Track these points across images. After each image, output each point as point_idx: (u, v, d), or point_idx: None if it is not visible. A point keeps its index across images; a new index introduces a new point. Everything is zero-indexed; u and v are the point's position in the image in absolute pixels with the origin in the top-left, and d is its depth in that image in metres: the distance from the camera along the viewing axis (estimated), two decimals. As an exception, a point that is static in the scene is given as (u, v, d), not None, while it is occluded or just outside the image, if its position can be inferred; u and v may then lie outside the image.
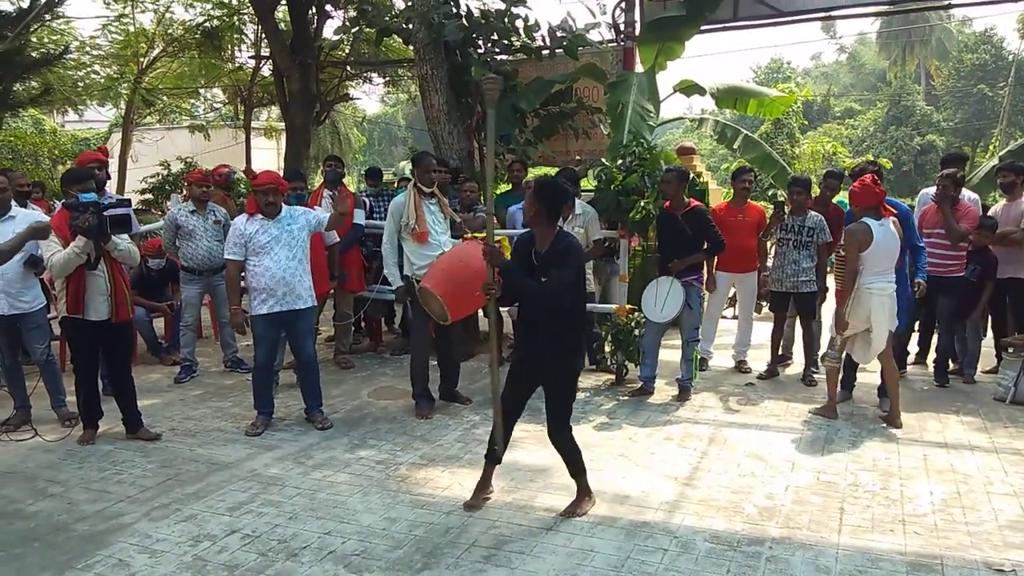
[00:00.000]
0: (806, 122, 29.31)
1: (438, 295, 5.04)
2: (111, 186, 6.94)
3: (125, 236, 4.99)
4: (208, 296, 6.94)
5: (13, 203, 5.35)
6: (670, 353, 6.40)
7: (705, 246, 5.85)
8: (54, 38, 17.40)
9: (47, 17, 14.58)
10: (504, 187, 9.31)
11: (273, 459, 4.77)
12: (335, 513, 3.99)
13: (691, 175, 6.81)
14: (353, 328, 7.53)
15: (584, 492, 3.97)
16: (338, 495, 4.22)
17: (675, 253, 5.81)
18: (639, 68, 8.27)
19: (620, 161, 6.31)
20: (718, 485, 4.28)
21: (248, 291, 5.24)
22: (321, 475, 4.51)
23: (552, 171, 7.47)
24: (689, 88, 8.78)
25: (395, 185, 10.00)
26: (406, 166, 22.31)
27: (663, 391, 6.05)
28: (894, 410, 5.25)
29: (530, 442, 4.85)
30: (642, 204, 6.00)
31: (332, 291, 6.88)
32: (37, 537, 3.77)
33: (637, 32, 8.54)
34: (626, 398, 5.92)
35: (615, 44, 8.94)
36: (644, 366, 6.02)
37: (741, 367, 6.78)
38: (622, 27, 8.77)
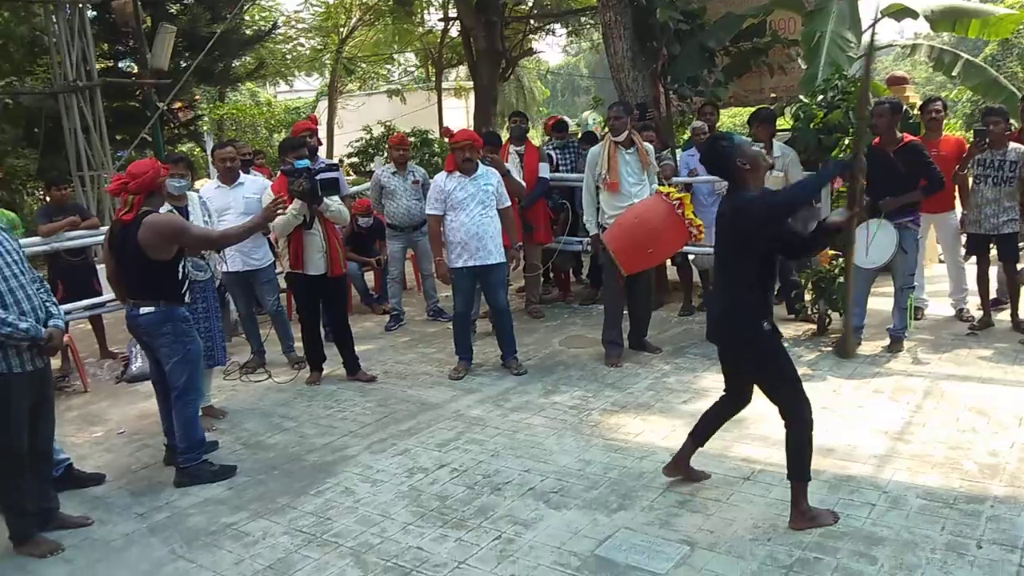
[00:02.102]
0: (1043, 40, 25.63)
1: (611, 250, 5.10)
2: (322, 151, 7.53)
3: (335, 197, 5.44)
4: (410, 251, 7.39)
5: (240, 170, 5.98)
6: (877, 302, 5.99)
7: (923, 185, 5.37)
8: (263, 15, 18.95)
9: (257, -3, 15.90)
10: (687, 135, 9.03)
11: (474, 401, 5.07)
12: (533, 453, 4.19)
13: (904, 107, 6.23)
14: (542, 279, 7.73)
15: (799, 507, 3.27)
16: (535, 436, 4.42)
17: (887, 193, 5.38)
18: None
19: (820, 97, 5.90)
20: (933, 440, 4.00)
21: (446, 244, 5.54)
22: (518, 417, 4.73)
23: (746, 112, 7.15)
24: (899, 12, 7.96)
25: (578, 136, 10.02)
26: (589, 116, 22.17)
27: (871, 343, 5.69)
28: None
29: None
30: (846, 142, 5.60)
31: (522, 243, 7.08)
32: (276, 465, 4.29)
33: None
34: (830, 349, 5.64)
35: (814, -30, 8.29)
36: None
37: (961, 315, 6.20)
38: (821, -50, 8.09)
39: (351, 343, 5.68)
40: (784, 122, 7.90)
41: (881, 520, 3.25)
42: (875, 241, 5.28)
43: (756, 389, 3.49)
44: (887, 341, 5.57)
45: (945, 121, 6.53)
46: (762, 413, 4.16)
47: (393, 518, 3.58)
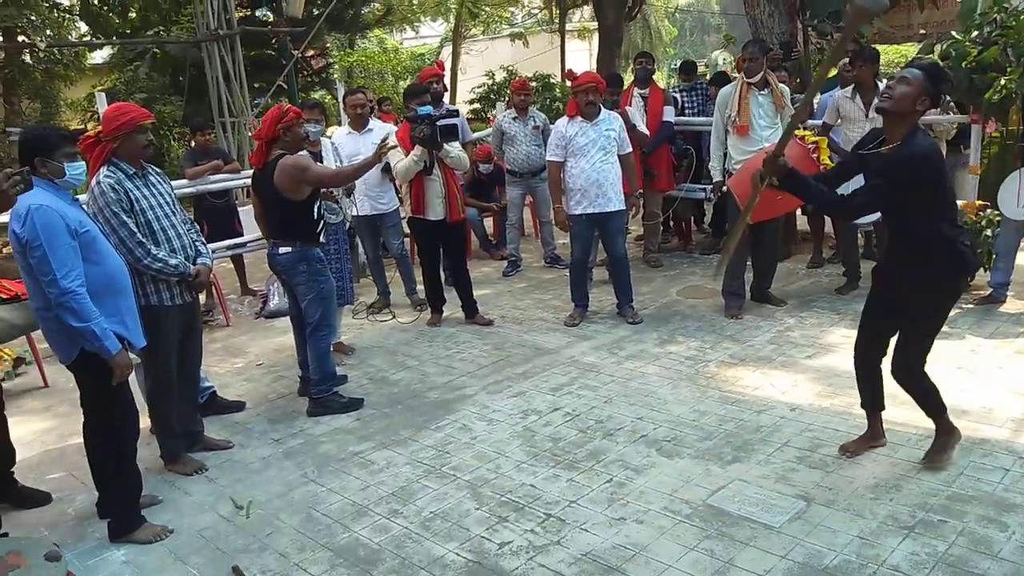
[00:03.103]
0: None
1: (736, 195, 4.90)
2: (446, 97, 7.62)
3: (456, 144, 5.52)
4: (529, 197, 7.43)
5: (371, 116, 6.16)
6: (1028, 257, 5.53)
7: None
8: (392, -38, 19.12)
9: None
10: (833, 72, 8.51)
11: (589, 348, 5.10)
12: (646, 401, 4.20)
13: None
14: (662, 227, 7.59)
15: (944, 434, 3.26)
16: (648, 385, 4.42)
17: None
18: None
19: (975, 33, 5.40)
20: (1083, 407, 3.72)
21: (565, 191, 5.52)
22: (633, 365, 4.74)
23: (891, 51, 6.64)
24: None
25: (707, 78, 9.64)
26: (720, 55, 21.23)
27: (1016, 301, 5.29)
28: None
29: (849, 348, 4.58)
30: (1003, 82, 5.12)
31: (643, 190, 6.96)
32: (400, 400, 4.51)
33: None
34: (971, 306, 5.28)
35: None
36: (996, 271, 5.28)
37: None
38: None
39: (470, 287, 5.82)
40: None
41: (1015, 486, 3.07)
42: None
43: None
44: (1038, 300, 5.16)
45: None
46: (886, 370, 3.99)
47: (508, 456, 3.71)
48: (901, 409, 3.75)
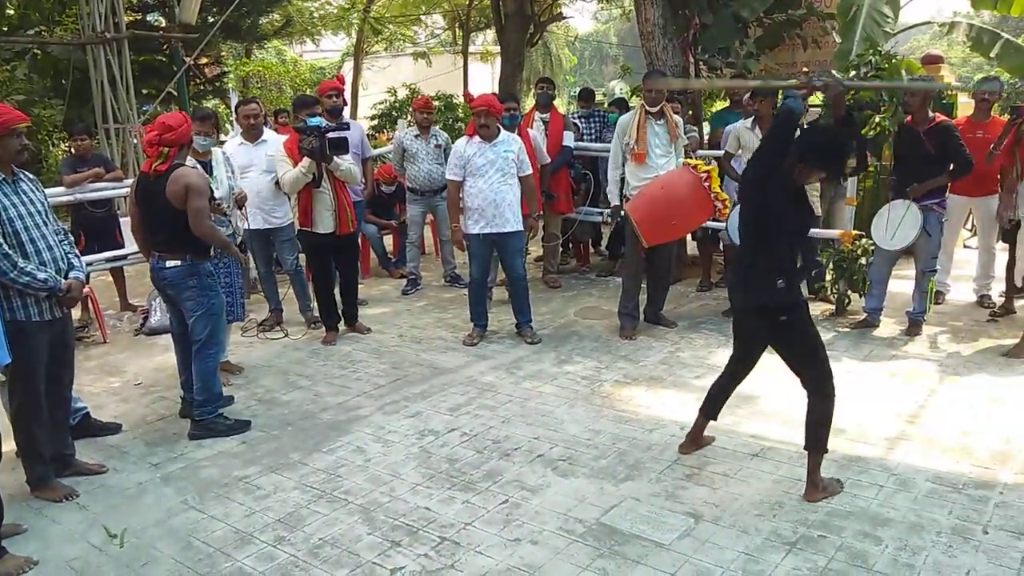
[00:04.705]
0: (1090, 21, 24.81)
1: (634, 220, 5.06)
2: (346, 112, 7.50)
3: (346, 157, 5.43)
4: (430, 215, 7.39)
5: (265, 127, 5.98)
6: (898, 284, 5.92)
7: (951, 168, 5.26)
8: (293, -29, 18.76)
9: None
10: (721, 104, 8.90)
11: (488, 368, 5.09)
12: (543, 421, 4.21)
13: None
14: (561, 249, 7.70)
15: (813, 479, 3.28)
16: (545, 404, 4.44)
17: (914, 173, 5.28)
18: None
19: (852, 72, 5.78)
20: (946, 425, 3.97)
21: (464, 210, 5.52)
22: (531, 385, 4.75)
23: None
24: (939, -12, 7.76)
25: (605, 106, 9.90)
26: (617, 85, 21.89)
27: (888, 325, 5.64)
28: None
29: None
30: (877, 120, 5.49)
31: (542, 212, 7.05)
32: (291, 422, 4.35)
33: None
34: (847, 330, 5.59)
35: (853, -58, 8.07)
36: (870, 297, 5.62)
37: (983, 302, 6.11)
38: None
39: (355, 296, 5.89)
40: (815, 99, 7.74)
41: (888, 502, 3.24)
42: (901, 223, 5.20)
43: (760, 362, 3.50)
44: (906, 324, 5.51)
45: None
46: (774, 390, 4.18)
47: (402, 478, 3.63)
48: (783, 428, 3.92)
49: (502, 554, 2.99)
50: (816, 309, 6.04)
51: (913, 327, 5.44)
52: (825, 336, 5.32)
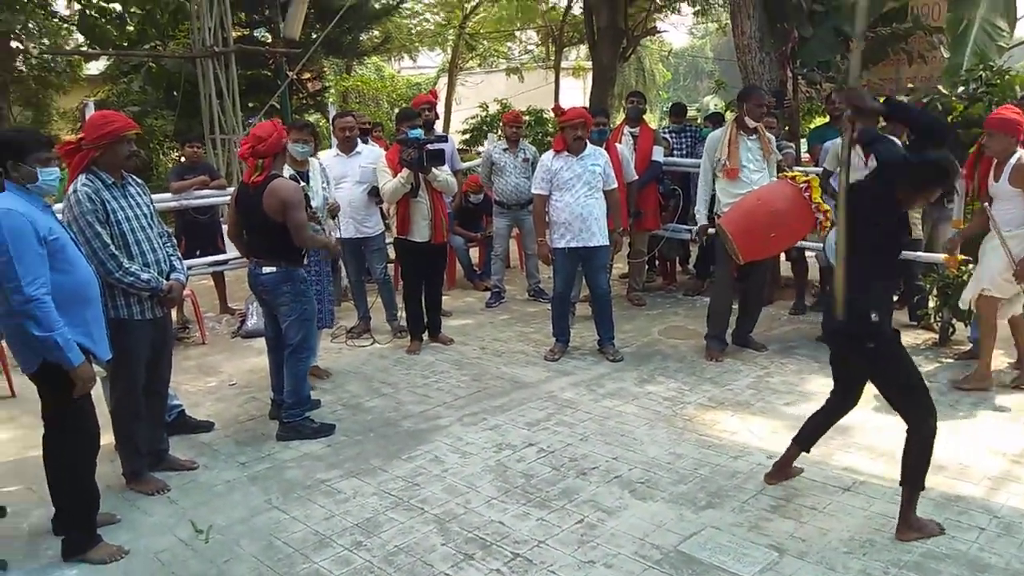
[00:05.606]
0: None
1: (729, 232, 4.88)
2: (439, 126, 7.64)
3: (445, 168, 5.55)
4: (516, 228, 7.42)
5: (358, 140, 6.15)
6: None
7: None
8: (392, -12, 19.32)
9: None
10: (820, 120, 8.61)
11: (568, 384, 5.05)
12: (622, 441, 4.14)
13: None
14: (647, 266, 7.59)
15: (906, 517, 3.11)
16: (625, 424, 4.36)
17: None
18: (996, -22, 7.04)
19: (961, 88, 5.49)
20: (1060, 468, 3.69)
21: (550, 224, 5.51)
22: (611, 404, 4.68)
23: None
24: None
25: (698, 122, 9.73)
26: (711, 100, 21.51)
27: (997, 357, 5.28)
28: None
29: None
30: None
31: (628, 228, 6.97)
32: (373, 428, 4.43)
33: (997, -65, 7.25)
34: (951, 361, 5.27)
35: (967, -48, 7.69)
36: (976, 326, 5.29)
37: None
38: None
39: (439, 306, 5.99)
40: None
41: (990, 546, 3.03)
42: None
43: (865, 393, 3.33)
44: (1015, 357, 5.15)
45: None
46: (869, 422, 3.98)
47: (478, 490, 3.63)
48: (878, 462, 3.73)
49: (575, 575, 2.94)
50: (919, 338, 5.74)
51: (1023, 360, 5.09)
52: (927, 367, 5.12)
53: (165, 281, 3.60)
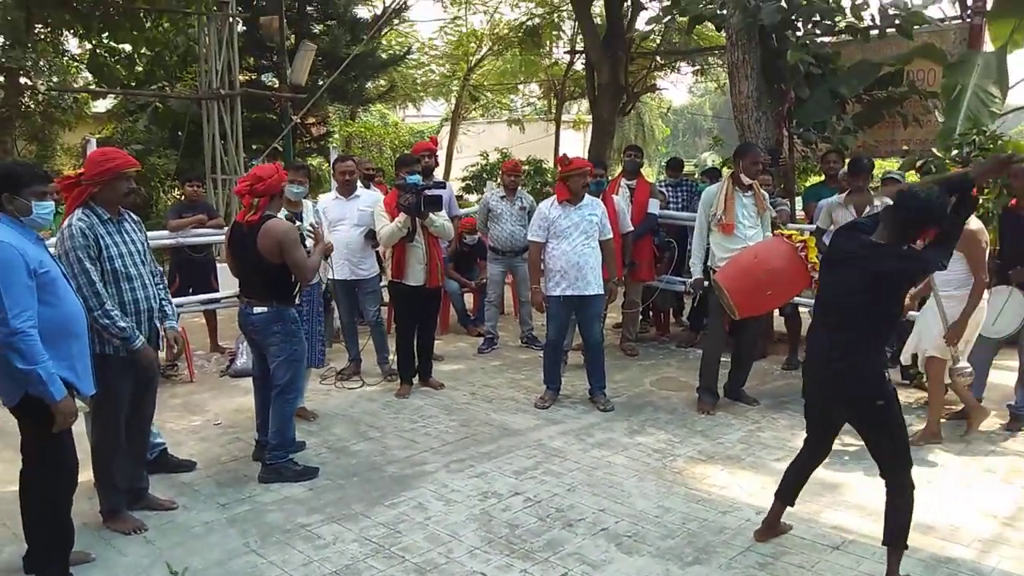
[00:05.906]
0: None
1: (725, 289, 4.90)
2: (439, 172, 7.72)
3: (442, 213, 5.60)
4: (510, 275, 7.43)
5: (359, 184, 6.21)
6: (1000, 375, 5.53)
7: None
8: (400, 40, 19.76)
9: (395, 22, 16.59)
10: (815, 179, 8.70)
11: (557, 432, 5.00)
12: (610, 492, 4.08)
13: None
14: (641, 317, 7.59)
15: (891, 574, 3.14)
16: (614, 475, 4.31)
17: (1019, 260, 5.00)
18: (988, 47, 7.21)
19: (955, 152, 5.57)
20: (1052, 533, 3.64)
21: (545, 272, 5.54)
22: (600, 454, 4.63)
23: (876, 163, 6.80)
24: (1055, 68, 7.45)
25: (695, 177, 9.84)
26: (709, 157, 21.78)
27: (988, 418, 5.25)
28: None
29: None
30: (980, 201, 5.23)
31: (623, 278, 6.99)
32: (357, 472, 4.36)
33: (988, 5, 7.44)
34: (942, 421, 5.23)
35: (959, 21, 7.89)
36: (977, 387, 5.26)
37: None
38: (969, 1, 7.70)
39: (431, 351, 5.96)
40: (911, 176, 7.50)
41: (982, 613, 2.97)
42: (1003, 310, 4.90)
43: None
44: (1007, 418, 5.13)
45: None
46: (859, 480, 3.94)
47: (461, 539, 3.56)
48: (867, 520, 3.67)
49: (556, 629, 2.87)
50: (910, 396, 5.72)
51: (1015, 421, 5.06)
52: (918, 426, 5.07)
53: (141, 337, 3.51)
